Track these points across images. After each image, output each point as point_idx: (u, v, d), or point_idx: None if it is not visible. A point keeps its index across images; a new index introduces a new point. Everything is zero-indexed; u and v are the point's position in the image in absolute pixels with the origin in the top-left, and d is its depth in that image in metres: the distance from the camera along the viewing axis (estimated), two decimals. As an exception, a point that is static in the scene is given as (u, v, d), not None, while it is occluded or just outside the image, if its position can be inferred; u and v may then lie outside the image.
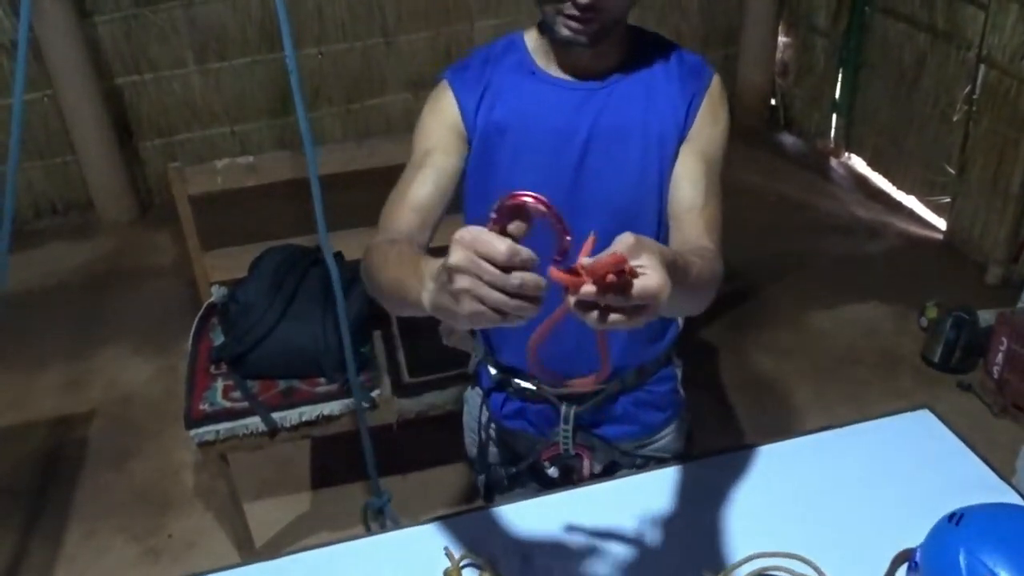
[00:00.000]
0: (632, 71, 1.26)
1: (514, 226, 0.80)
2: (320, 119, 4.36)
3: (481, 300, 0.77)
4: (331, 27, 4.19)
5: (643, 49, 1.28)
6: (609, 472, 1.49)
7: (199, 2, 3.98)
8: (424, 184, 1.24)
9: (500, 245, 0.75)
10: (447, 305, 0.81)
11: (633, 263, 0.79)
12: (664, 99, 1.25)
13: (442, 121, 1.28)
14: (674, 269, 0.86)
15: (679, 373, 1.51)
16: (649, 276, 0.79)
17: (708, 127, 1.26)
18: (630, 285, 0.78)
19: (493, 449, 1.55)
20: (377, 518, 2.24)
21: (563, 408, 1.43)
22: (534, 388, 1.44)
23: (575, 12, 1.13)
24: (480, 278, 0.76)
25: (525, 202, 0.79)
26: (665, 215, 1.27)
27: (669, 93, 1.25)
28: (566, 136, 1.25)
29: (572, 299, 0.78)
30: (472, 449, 1.60)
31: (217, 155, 4.00)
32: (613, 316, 0.79)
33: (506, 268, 0.76)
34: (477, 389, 1.54)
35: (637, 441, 1.49)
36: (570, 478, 1.50)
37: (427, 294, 0.87)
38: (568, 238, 0.81)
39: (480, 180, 1.30)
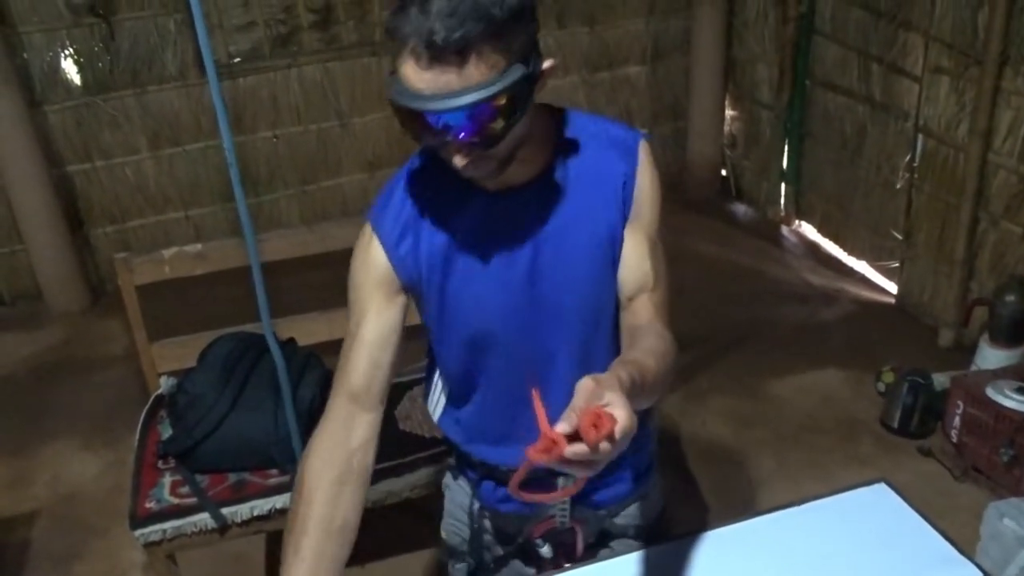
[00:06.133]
0: (564, 163, 1.24)
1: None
2: (276, 201, 4.36)
3: None
4: (286, 111, 4.22)
5: (572, 136, 1.25)
6: (600, 543, 1.48)
7: (152, 90, 3.99)
8: (362, 347, 1.26)
9: None
10: None
11: (598, 402, 0.86)
12: (604, 183, 1.24)
13: (372, 277, 1.26)
14: (632, 386, 0.93)
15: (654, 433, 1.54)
16: (617, 414, 0.85)
17: (647, 202, 1.26)
18: (613, 435, 0.85)
19: (488, 537, 1.51)
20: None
21: (560, 481, 1.39)
22: None
23: (458, 161, 1.11)
24: None
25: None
26: None
27: (606, 177, 1.24)
28: (512, 245, 1.23)
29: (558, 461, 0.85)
30: (455, 538, 1.55)
31: (171, 241, 3.96)
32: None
33: None
34: (461, 480, 1.51)
35: (622, 503, 1.48)
36: (561, 555, 1.47)
37: None
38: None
39: (438, 306, 1.28)
